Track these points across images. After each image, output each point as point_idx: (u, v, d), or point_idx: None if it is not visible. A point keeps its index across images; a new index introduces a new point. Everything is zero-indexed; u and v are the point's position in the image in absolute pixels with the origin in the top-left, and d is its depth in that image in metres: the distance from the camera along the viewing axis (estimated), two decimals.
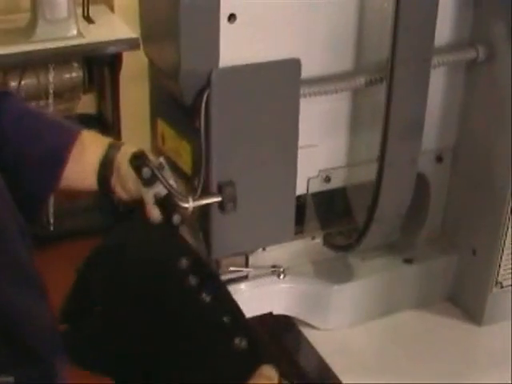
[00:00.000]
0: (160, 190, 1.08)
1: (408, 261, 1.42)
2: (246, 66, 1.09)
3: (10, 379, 0.83)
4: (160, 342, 0.96)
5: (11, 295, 0.87)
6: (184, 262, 1.00)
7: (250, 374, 0.89)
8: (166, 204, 1.08)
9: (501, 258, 1.34)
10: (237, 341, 0.92)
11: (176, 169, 1.19)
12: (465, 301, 1.43)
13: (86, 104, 2.91)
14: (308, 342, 1.35)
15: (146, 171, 1.07)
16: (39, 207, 1.09)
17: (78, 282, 1.06)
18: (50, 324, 0.94)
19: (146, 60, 1.22)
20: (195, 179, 1.14)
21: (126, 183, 1.10)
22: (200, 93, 1.08)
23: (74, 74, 2.71)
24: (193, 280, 0.98)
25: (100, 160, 1.10)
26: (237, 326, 0.95)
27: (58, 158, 1.07)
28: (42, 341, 0.91)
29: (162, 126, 1.24)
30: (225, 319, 0.95)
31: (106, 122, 2.89)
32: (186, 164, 1.17)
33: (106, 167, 1.10)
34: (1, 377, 0.83)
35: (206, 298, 0.96)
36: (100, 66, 2.78)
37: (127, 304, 1.01)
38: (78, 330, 1.05)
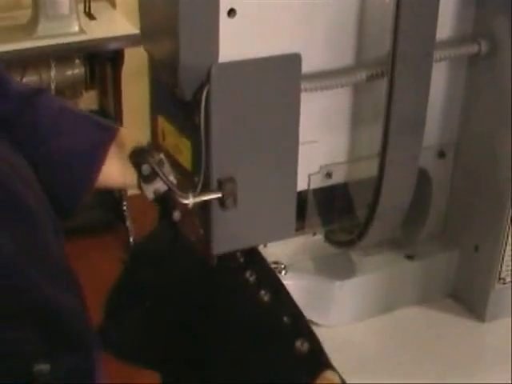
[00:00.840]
0: (160, 186, 1.08)
1: (410, 257, 1.41)
2: (246, 61, 1.08)
3: (47, 367, 0.84)
4: (215, 341, 0.95)
5: (47, 287, 0.88)
6: (239, 256, 0.99)
7: (312, 378, 0.88)
8: (166, 200, 1.08)
9: (503, 253, 1.34)
10: (298, 344, 0.91)
11: (176, 165, 1.18)
12: (467, 297, 1.42)
13: (88, 100, 2.91)
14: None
15: (145, 167, 1.06)
16: (76, 204, 1.09)
17: (124, 273, 1.06)
18: (85, 315, 0.95)
19: (147, 56, 1.21)
20: (195, 175, 1.13)
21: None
22: (199, 88, 1.07)
23: (75, 71, 2.71)
24: (250, 276, 0.97)
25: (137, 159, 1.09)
26: (298, 328, 0.94)
27: (95, 156, 1.07)
28: (77, 331, 0.92)
29: (161, 121, 1.23)
30: (285, 320, 0.94)
31: (108, 118, 2.88)
32: (185, 160, 1.17)
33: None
34: (38, 365, 0.84)
35: (265, 296, 0.95)
36: (102, 62, 2.78)
37: (178, 301, 1.00)
38: (124, 324, 1.04)
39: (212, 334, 0.96)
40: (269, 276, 0.99)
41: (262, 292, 0.95)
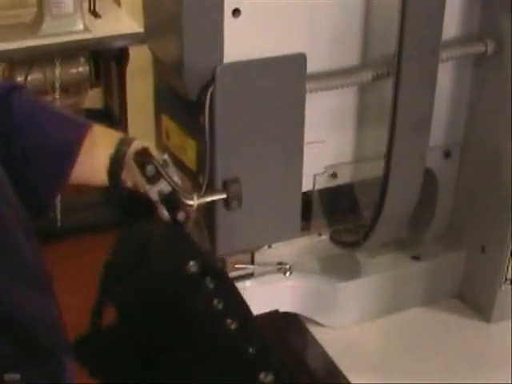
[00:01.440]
0: (164, 187, 1.07)
1: (416, 258, 1.40)
2: (251, 61, 1.08)
3: (16, 376, 0.83)
4: (181, 367, 0.95)
5: (17, 295, 0.87)
6: (208, 282, 0.98)
7: None
8: (171, 201, 1.07)
9: (510, 254, 1.33)
10: (262, 376, 0.90)
11: (181, 165, 1.18)
12: (473, 298, 1.41)
13: (93, 99, 2.90)
14: (315, 340, 1.34)
15: (150, 168, 1.06)
16: (49, 202, 1.08)
17: (102, 278, 1.05)
18: (57, 322, 0.94)
19: (151, 55, 1.21)
20: (200, 176, 1.13)
21: (137, 178, 1.08)
22: (204, 88, 1.07)
23: (80, 69, 2.70)
24: (218, 304, 0.96)
25: (111, 155, 1.08)
26: (263, 359, 0.93)
27: (68, 153, 1.06)
28: (48, 339, 0.91)
29: (166, 122, 1.23)
30: (250, 350, 0.93)
31: (113, 117, 2.88)
32: (190, 161, 1.16)
33: (116, 162, 1.08)
34: (8, 374, 0.83)
35: (232, 324, 0.94)
36: (106, 60, 2.77)
37: (146, 321, 0.99)
38: (92, 339, 1.03)
39: (178, 359, 0.95)
40: (237, 304, 0.98)
41: (229, 320, 0.94)
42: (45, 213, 1.07)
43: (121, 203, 1.20)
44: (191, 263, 0.98)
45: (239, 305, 0.99)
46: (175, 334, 0.96)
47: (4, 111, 1.01)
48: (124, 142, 1.10)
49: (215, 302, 0.96)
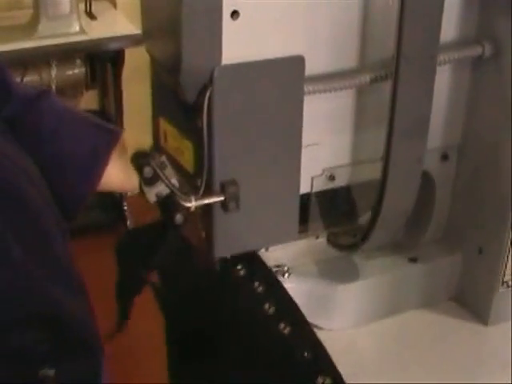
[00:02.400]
0: (162, 189, 1.07)
1: (413, 260, 1.40)
2: (249, 63, 1.08)
3: (51, 372, 0.84)
4: (233, 368, 0.94)
5: (54, 292, 0.88)
6: (257, 285, 0.98)
7: None
8: (168, 203, 1.07)
9: (507, 257, 1.33)
10: (320, 380, 0.90)
11: (178, 167, 1.17)
12: (471, 300, 1.41)
13: (89, 100, 2.89)
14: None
15: (147, 170, 1.06)
16: (78, 207, 1.08)
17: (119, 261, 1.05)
18: (90, 320, 0.94)
19: (148, 56, 1.20)
20: (197, 178, 1.12)
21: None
22: (202, 91, 1.07)
23: (76, 71, 2.70)
24: (270, 308, 0.96)
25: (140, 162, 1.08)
26: (320, 363, 0.92)
27: (98, 158, 1.06)
28: (83, 336, 0.91)
29: (163, 124, 1.22)
30: (306, 355, 0.92)
31: (109, 119, 2.88)
32: (188, 163, 1.16)
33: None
34: (43, 370, 0.83)
35: (285, 329, 0.94)
36: (102, 62, 2.77)
37: (189, 314, 0.99)
38: None
39: (227, 361, 0.95)
40: (289, 308, 0.97)
41: (282, 325, 0.94)
42: (70, 219, 1.07)
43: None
44: (239, 266, 0.97)
45: (291, 309, 0.99)
46: (223, 336, 0.96)
47: (33, 117, 1.01)
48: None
49: (266, 306, 0.95)
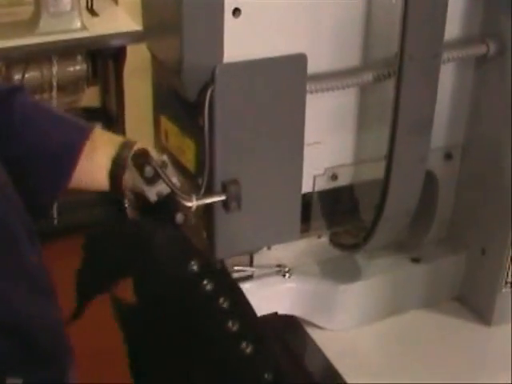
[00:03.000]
0: (163, 188, 1.06)
1: (416, 260, 1.39)
2: (251, 61, 1.07)
3: (19, 381, 0.83)
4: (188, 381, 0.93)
5: (20, 299, 0.86)
6: (222, 301, 0.96)
7: None
8: (169, 203, 1.06)
9: (510, 257, 1.32)
10: None
11: (179, 166, 1.17)
12: (474, 301, 1.40)
13: (90, 97, 2.88)
14: (314, 343, 1.33)
15: (148, 170, 1.04)
16: (48, 205, 1.08)
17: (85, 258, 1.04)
18: (59, 327, 0.93)
19: (149, 53, 1.19)
20: (199, 177, 1.11)
21: (136, 180, 1.07)
22: (204, 89, 1.06)
23: (77, 67, 2.69)
24: (233, 326, 0.94)
25: (112, 159, 1.07)
26: None
27: (69, 156, 1.05)
28: (50, 343, 0.90)
29: (165, 122, 1.22)
30: (266, 376, 0.91)
31: (110, 116, 2.87)
32: (189, 162, 1.15)
33: (118, 167, 1.07)
34: (10, 378, 0.82)
35: (247, 348, 0.92)
36: (104, 59, 2.76)
37: (152, 328, 0.98)
38: None
39: (189, 379, 0.93)
40: (252, 325, 0.96)
41: (244, 344, 0.92)
42: (42, 216, 1.06)
43: (114, 203, 1.19)
44: (205, 281, 0.96)
45: (254, 326, 0.97)
46: (186, 353, 0.94)
47: (5, 112, 1.01)
48: (126, 146, 1.08)
49: (230, 323, 0.94)
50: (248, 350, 0.92)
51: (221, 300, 0.95)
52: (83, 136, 1.06)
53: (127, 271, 1.06)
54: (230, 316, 0.94)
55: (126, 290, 1.07)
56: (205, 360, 0.94)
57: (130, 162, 1.06)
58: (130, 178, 1.07)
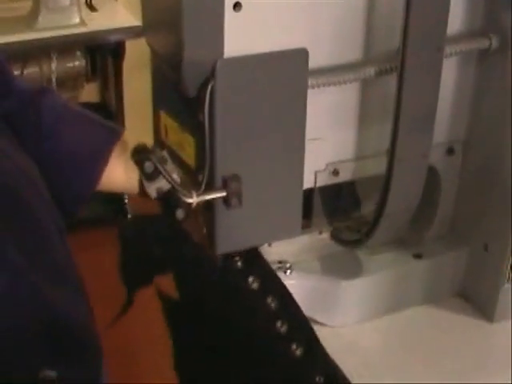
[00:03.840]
0: (163, 184, 1.05)
1: (417, 256, 1.39)
2: (252, 56, 1.06)
3: (53, 374, 0.83)
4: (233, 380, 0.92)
5: (53, 295, 0.87)
6: (270, 301, 0.95)
7: None
8: (169, 199, 1.05)
9: None
10: None
11: (179, 162, 1.16)
12: (476, 296, 1.40)
13: (89, 93, 2.87)
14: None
15: (148, 165, 1.04)
16: (78, 206, 1.07)
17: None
18: (90, 321, 0.93)
19: (149, 49, 1.18)
20: (199, 173, 1.10)
21: None
22: (204, 84, 1.05)
23: (76, 63, 2.67)
24: (282, 327, 0.93)
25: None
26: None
27: (99, 157, 1.04)
28: (83, 339, 0.90)
29: (164, 118, 1.21)
30: (318, 379, 0.90)
31: (110, 111, 2.86)
32: (189, 157, 1.14)
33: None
34: (44, 371, 0.82)
35: (297, 350, 0.91)
36: (103, 54, 2.75)
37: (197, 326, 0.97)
38: None
39: (235, 378, 0.92)
40: (302, 327, 0.94)
41: (294, 346, 0.91)
42: (71, 217, 1.06)
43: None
44: (250, 279, 0.94)
45: (304, 328, 0.96)
46: (232, 351, 0.93)
47: (33, 114, 1.00)
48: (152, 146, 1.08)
49: (278, 324, 0.92)
50: (298, 352, 0.91)
51: (269, 299, 0.94)
52: (113, 137, 1.05)
53: (167, 266, 1.05)
54: (278, 316, 0.93)
55: (171, 285, 1.08)
56: (252, 360, 0.93)
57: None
58: None
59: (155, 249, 1.08)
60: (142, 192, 1.07)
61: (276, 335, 0.93)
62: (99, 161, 1.03)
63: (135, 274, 1.09)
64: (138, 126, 1.38)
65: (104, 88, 2.89)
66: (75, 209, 1.04)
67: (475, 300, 1.40)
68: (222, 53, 1.04)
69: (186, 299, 0.99)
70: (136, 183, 1.06)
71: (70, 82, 2.70)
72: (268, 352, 0.93)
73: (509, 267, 1.33)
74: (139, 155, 1.04)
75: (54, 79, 2.59)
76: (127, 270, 1.07)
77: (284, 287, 1.00)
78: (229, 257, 0.97)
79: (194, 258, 1.00)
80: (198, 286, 0.99)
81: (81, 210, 1.04)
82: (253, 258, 0.99)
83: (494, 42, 1.24)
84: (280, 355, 0.92)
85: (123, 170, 1.05)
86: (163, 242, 1.07)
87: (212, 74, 1.03)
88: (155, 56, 1.18)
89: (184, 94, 1.09)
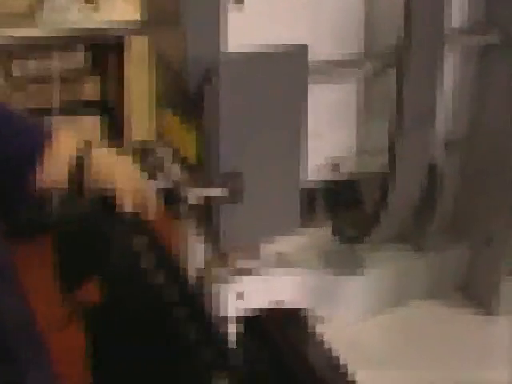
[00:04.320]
0: (165, 181, 1.06)
1: (419, 251, 1.38)
2: (254, 53, 1.06)
3: None
4: None
5: None
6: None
7: None
8: (171, 196, 1.06)
9: None
10: None
11: (181, 159, 1.16)
12: (478, 291, 1.40)
13: (90, 89, 2.88)
14: (317, 335, 1.32)
15: (149, 162, 1.04)
16: (21, 206, 1.09)
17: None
18: (28, 323, 0.94)
19: (150, 45, 1.19)
20: (200, 170, 1.11)
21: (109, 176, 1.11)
22: (206, 80, 1.05)
23: (77, 59, 2.69)
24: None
25: (73, 159, 1.10)
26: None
27: (29, 160, 1.07)
28: (15, 339, 0.90)
29: (166, 114, 1.21)
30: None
31: (110, 107, 2.87)
32: (191, 154, 1.14)
33: (80, 166, 1.11)
34: None
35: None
36: (104, 50, 2.76)
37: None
38: None
39: None
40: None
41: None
42: (18, 217, 1.08)
43: None
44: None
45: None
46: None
47: None
48: (86, 144, 1.13)
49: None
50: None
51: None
52: (43, 139, 1.07)
53: (92, 270, 1.08)
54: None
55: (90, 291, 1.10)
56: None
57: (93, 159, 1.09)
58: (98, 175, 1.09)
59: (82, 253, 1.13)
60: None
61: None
62: (30, 163, 1.06)
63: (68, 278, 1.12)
64: (137, 121, 1.39)
65: (105, 83, 2.91)
66: (18, 209, 1.06)
67: (477, 294, 1.40)
68: (225, 49, 1.05)
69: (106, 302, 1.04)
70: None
71: (71, 77, 2.71)
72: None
73: (510, 262, 1.33)
74: (141, 152, 1.05)
75: (55, 75, 2.60)
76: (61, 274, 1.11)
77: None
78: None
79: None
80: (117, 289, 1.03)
81: (24, 210, 1.07)
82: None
83: (496, 37, 1.23)
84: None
85: (60, 167, 1.08)
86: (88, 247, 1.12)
87: (214, 71, 1.03)
88: (157, 53, 1.18)
89: (186, 91, 1.09)
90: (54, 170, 1.09)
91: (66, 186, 1.11)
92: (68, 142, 1.12)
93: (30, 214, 1.15)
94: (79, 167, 1.10)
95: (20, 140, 1.08)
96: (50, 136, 1.09)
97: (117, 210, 1.09)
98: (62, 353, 0.97)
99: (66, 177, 1.10)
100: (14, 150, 1.06)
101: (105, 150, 1.12)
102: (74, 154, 1.11)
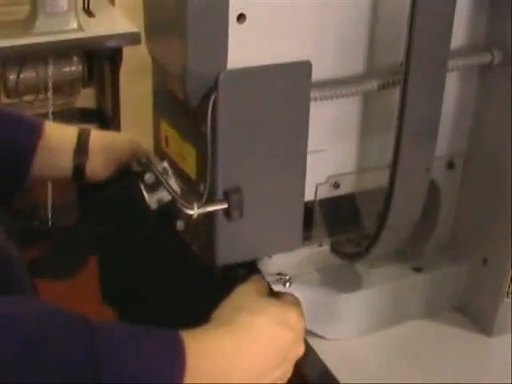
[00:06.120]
0: (164, 195, 1.05)
1: (417, 269, 1.38)
2: (255, 68, 1.05)
3: None
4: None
5: None
6: None
7: None
8: (170, 210, 1.05)
9: None
10: None
11: (180, 173, 1.15)
12: (475, 311, 1.39)
13: (86, 98, 2.88)
14: (313, 352, 1.31)
15: (149, 176, 1.04)
16: (7, 200, 1.11)
17: None
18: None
19: (146, 55, 1.18)
20: (200, 185, 1.10)
21: (98, 165, 1.15)
22: (207, 95, 1.04)
23: (73, 68, 2.68)
24: None
25: (74, 147, 1.11)
26: None
27: (24, 154, 1.07)
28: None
29: (165, 127, 1.20)
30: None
31: (106, 117, 2.86)
32: (190, 168, 1.13)
33: (81, 153, 1.14)
34: None
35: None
36: (100, 60, 2.75)
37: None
38: None
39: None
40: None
41: None
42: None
43: None
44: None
45: None
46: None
47: None
48: (83, 133, 1.16)
49: None
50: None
51: None
52: (36, 131, 1.08)
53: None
54: None
55: None
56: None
57: (92, 148, 1.13)
58: (98, 164, 1.11)
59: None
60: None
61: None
62: (25, 156, 1.07)
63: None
64: (134, 131, 1.39)
65: (101, 93, 2.90)
66: (6, 200, 1.08)
67: (474, 314, 1.39)
68: (226, 64, 1.04)
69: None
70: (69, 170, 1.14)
71: (66, 87, 2.70)
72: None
73: (508, 282, 1.32)
74: (140, 166, 1.04)
75: (50, 84, 2.59)
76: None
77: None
78: None
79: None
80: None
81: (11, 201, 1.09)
82: None
83: (497, 57, 1.23)
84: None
85: (50, 159, 1.09)
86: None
87: (215, 86, 1.03)
88: (156, 65, 1.17)
89: (186, 105, 1.08)
90: (51, 162, 1.10)
91: (64, 177, 1.12)
92: (63, 132, 1.15)
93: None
94: (82, 155, 1.13)
95: (11, 135, 1.08)
96: (41, 128, 1.10)
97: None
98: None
99: (68, 167, 1.12)
100: (6, 146, 1.07)
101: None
102: (74, 142, 1.13)
